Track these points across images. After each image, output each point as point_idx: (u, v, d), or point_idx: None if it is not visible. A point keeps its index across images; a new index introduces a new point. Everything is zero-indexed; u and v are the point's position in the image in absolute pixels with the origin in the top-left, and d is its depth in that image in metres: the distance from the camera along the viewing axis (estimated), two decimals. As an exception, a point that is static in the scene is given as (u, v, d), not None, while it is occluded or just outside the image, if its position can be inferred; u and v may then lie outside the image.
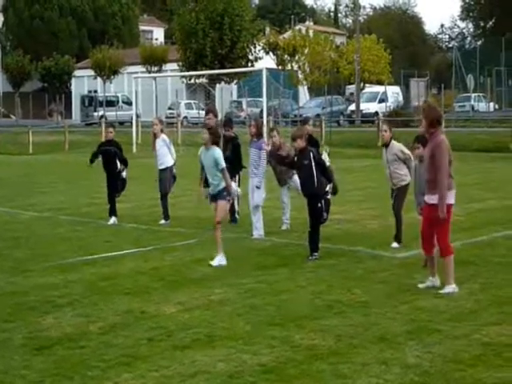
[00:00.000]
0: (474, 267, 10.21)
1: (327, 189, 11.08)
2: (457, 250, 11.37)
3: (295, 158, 11.32)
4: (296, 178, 13.23)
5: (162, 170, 14.57)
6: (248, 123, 13.35)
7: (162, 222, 14.48)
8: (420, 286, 9.12)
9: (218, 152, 10.94)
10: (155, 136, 14.56)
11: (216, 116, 13.93)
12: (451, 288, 8.88)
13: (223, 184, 10.87)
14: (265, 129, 14.69)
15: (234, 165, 13.65)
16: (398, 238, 11.77)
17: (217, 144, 11.12)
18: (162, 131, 14.73)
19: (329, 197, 11.11)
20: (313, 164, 10.95)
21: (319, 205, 10.91)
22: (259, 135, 12.80)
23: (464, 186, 19.09)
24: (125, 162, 14.85)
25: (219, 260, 10.66)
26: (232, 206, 14.24)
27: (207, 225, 13.69)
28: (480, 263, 10.46)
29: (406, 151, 11.58)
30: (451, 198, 8.94)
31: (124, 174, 14.74)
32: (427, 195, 9.03)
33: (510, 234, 12.73)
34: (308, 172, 10.98)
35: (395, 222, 11.84)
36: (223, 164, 10.87)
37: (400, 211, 11.75)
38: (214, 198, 10.99)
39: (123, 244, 12.45)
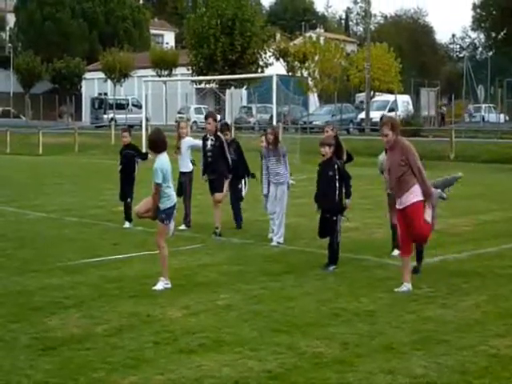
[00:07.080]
0: (481, 278, 10.17)
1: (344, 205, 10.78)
2: (463, 261, 11.42)
3: (318, 167, 10.87)
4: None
5: (183, 173, 14.41)
6: (264, 130, 13.31)
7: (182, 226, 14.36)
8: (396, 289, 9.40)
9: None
10: (180, 138, 14.31)
11: (216, 120, 13.99)
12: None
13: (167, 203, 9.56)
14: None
15: (240, 167, 13.68)
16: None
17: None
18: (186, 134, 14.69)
19: (342, 217, 10.79)
20: (337, 177, 10.63)
21: (334, 218, 10.64)
22: (277, 143, 12.79)
23: (472, 197, 19.07)
24: (144, 156, 14.68)
25: (164, 284, 9.53)
26: (238, 210, 14.33)
27: (213, 229, 13.74)
28: (487, 275, 10.41)
29: None
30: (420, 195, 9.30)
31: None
32: (398, 199, 9.36)
33: (517, 246, 12.67)
34: (330, 184, 10.65)
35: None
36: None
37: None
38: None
39: (130, 247, 12.46)
